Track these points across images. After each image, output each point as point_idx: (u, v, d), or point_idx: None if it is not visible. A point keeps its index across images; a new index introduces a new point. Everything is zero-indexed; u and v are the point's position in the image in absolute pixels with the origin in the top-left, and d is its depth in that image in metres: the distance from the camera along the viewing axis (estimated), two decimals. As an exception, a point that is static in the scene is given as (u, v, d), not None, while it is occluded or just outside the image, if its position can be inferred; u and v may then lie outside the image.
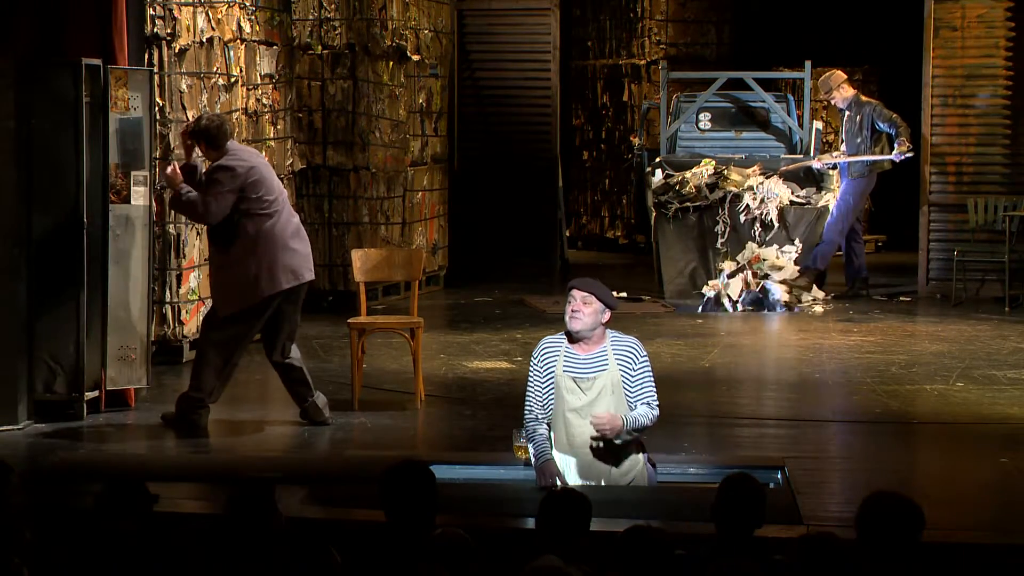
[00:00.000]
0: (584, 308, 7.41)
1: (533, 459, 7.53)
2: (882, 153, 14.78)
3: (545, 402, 7.48)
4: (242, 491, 5.65)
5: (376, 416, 9.65)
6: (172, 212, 11.45)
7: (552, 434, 7.48)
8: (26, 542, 5.47)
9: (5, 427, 9.11)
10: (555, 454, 7.47)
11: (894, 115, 14.81)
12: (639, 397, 7.41)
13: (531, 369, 7.55)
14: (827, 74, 15.20)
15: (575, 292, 7.45)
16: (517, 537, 6.61)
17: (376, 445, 8.96)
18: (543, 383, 7.49)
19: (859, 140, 14.81)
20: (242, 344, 9.49)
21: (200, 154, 9.48)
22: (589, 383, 7.41)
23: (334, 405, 9.80)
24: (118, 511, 5.58)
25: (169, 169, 9.47)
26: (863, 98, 15.15)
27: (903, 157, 14.69)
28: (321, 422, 9.48)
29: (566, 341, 7.49)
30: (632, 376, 7.43)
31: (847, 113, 15.02)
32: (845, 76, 15.13)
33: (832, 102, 15.29)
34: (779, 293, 14.13)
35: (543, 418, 7.49)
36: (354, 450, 8.84)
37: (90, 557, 5.49)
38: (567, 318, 7.43)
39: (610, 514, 6.64)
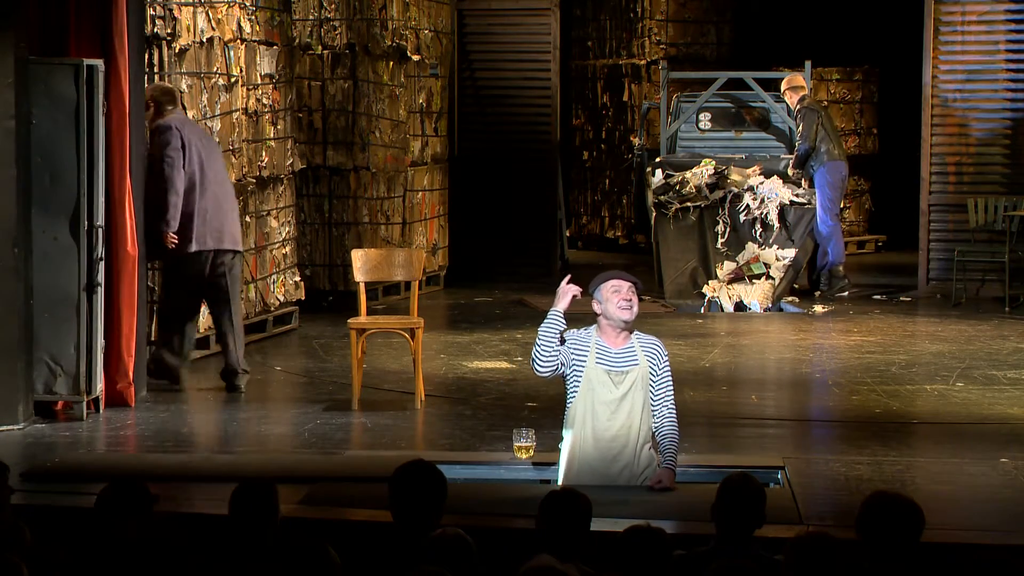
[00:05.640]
0: (634, 298, 7.44)
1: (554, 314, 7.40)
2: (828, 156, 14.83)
3: (566, 358, 7.40)
4: (242, 491, 5.65)
5: (376, 416, 9.64)
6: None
7: (572, 430, 7.45)
8: (26, 542, 5.47)
9: (5, 427, 9.11)
10: (576, 449, 7.44)
11: (807, 136, 14.81)
12: (660, 397, 7.45)
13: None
14: (794, 73, 15.24)
15: (619, 282, 7.42)
16: (517, 537, 6.60)
17: (376, 445, 8.96)
18: (569, 355, 7.40)
19: (798, 143, 14.90)
20: (183, 295, 10.33)
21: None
22: (621, 377, 7.42)
23: (334, 405, 9.79)
24: (118, 511, 5.58)
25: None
26: (808, 103, 15.08)
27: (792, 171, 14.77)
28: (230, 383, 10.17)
29: (595, 334, 7.47)
30: (657, 374, 7.47)
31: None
32: (801, 84, 15.12)
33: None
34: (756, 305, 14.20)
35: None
36: (354, 450, 8.84)
37: (90, 557, 5.49)
38: (617, 309, 7.38)
39: (610, 514, 6.64)
